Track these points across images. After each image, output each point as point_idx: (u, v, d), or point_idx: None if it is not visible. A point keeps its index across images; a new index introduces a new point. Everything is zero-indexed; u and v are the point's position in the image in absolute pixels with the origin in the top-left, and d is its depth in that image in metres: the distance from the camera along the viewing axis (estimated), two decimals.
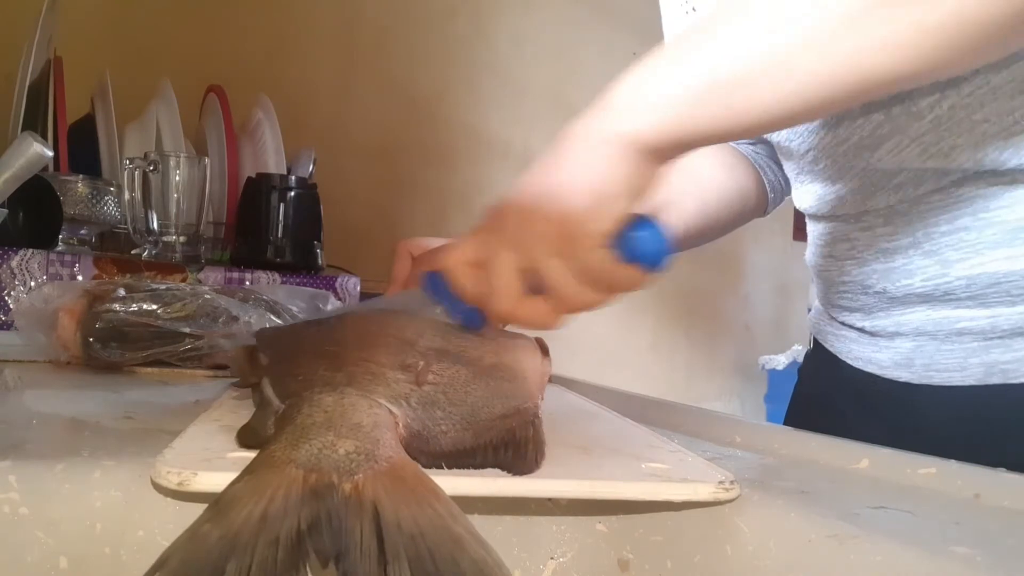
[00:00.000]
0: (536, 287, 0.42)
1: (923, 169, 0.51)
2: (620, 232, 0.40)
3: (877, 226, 0.56)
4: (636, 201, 0.41)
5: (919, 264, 0.53)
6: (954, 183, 0.51)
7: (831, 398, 0.66)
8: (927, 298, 0.54)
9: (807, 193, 0.62)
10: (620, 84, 0.40)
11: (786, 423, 0.69)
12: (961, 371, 0.54)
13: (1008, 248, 0.50)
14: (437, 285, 0.45)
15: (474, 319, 0.44)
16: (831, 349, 0.66)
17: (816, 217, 0.63)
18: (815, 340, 0.70)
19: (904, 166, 0.52)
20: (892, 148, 0.52)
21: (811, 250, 0.65)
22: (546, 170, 0.41)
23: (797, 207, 0.65)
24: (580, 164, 0.40)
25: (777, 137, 0.60)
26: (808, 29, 0.35)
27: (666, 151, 0.40)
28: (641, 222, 0.41)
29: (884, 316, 0.58)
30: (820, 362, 0.68)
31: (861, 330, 0.61)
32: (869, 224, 0.56)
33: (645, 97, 0.39)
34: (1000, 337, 0.52)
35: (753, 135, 0.49)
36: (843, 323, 0.63)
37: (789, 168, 0.63)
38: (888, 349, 0.58)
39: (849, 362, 0.63)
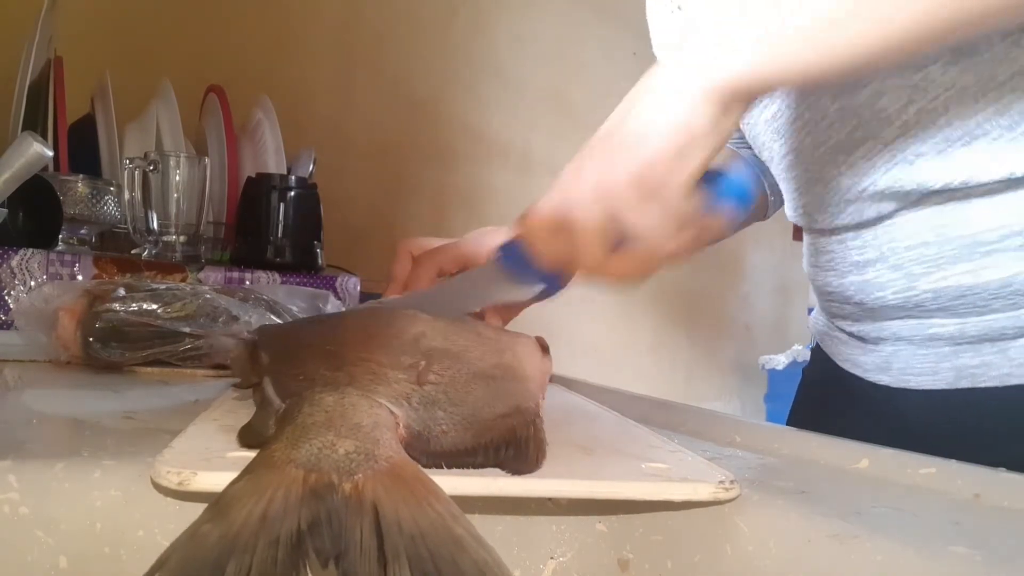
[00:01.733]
0: (620, 241, 0.41)
1: (888, 190, 0.51)
2: (707, 176, 0.39)
3: (848, 239, 0.56)
4: (720, 145, 0.40)
5: (888, 277, 0.54)
6: (913, 202, 0.51)
7: (829, 398, 0.66)
8: (901, 309, 0.55)
9: (786, 204, 0.63)
10: (705, 28, 0.39)
11: (789, 422, 0.69)
12: (933, 375, 0.55)
13: (967, 263, 0.50)
14: (515, 255, 0.44)
15: (554, 285, 0.43)
16: (826, 351, 0.67)
17: (800, 228, 0.63)
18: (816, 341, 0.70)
19: (873, 176, 0.52)
20: (865, 153, 0.52)
21: (804, 258, 0.65)
22: (625, 119, 0.40)
23: None
24: (664, 109, 0.39)
25: (762, 138, 0.61)
26: None
27: (753, 93, 0.39)
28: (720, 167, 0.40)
29: (869, 322, 0.59)
30: (820, 362, 0.69)
31: (851, 334, 0.62)
32: (842, 238, 0.57)
33: (735, 38, 0.38)
34: (969, 342, 0.52)
35: (843, 77, 0.47)
36: (838, 326, 0.64)
37: (772, 175, 0.63)
38: (872, 353, 0.59)
39: (839, 363, 0.64)
